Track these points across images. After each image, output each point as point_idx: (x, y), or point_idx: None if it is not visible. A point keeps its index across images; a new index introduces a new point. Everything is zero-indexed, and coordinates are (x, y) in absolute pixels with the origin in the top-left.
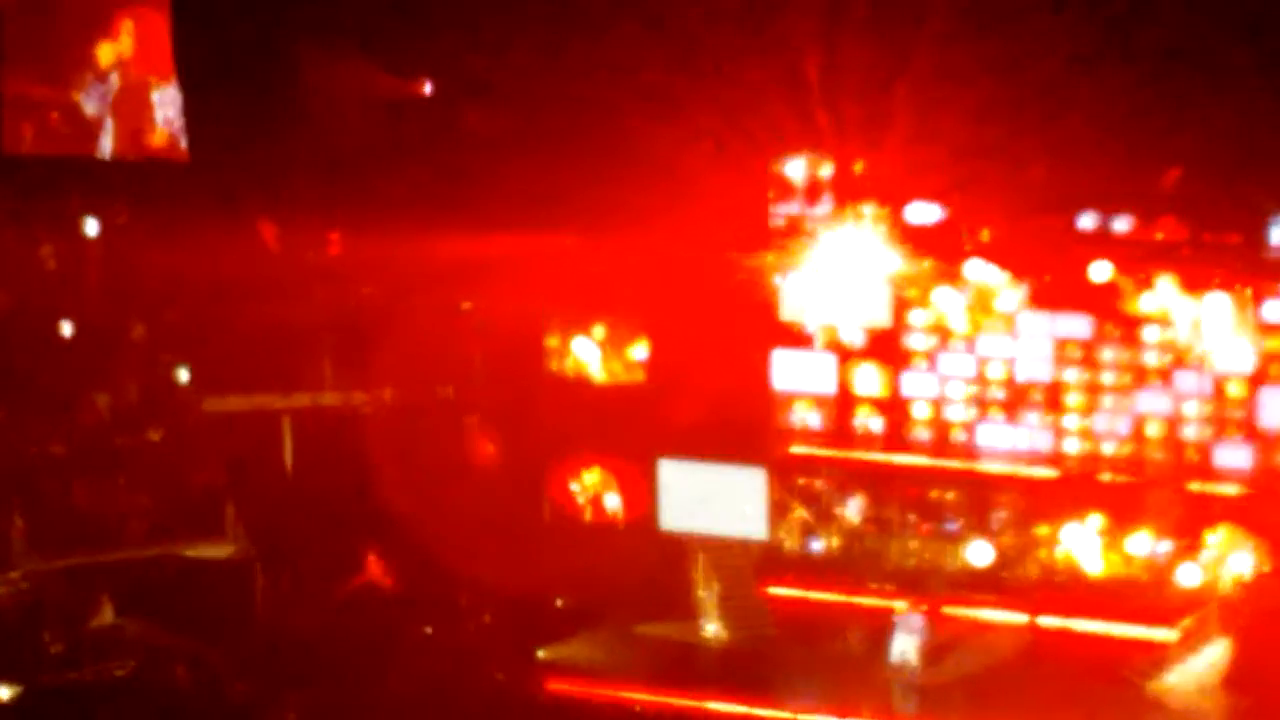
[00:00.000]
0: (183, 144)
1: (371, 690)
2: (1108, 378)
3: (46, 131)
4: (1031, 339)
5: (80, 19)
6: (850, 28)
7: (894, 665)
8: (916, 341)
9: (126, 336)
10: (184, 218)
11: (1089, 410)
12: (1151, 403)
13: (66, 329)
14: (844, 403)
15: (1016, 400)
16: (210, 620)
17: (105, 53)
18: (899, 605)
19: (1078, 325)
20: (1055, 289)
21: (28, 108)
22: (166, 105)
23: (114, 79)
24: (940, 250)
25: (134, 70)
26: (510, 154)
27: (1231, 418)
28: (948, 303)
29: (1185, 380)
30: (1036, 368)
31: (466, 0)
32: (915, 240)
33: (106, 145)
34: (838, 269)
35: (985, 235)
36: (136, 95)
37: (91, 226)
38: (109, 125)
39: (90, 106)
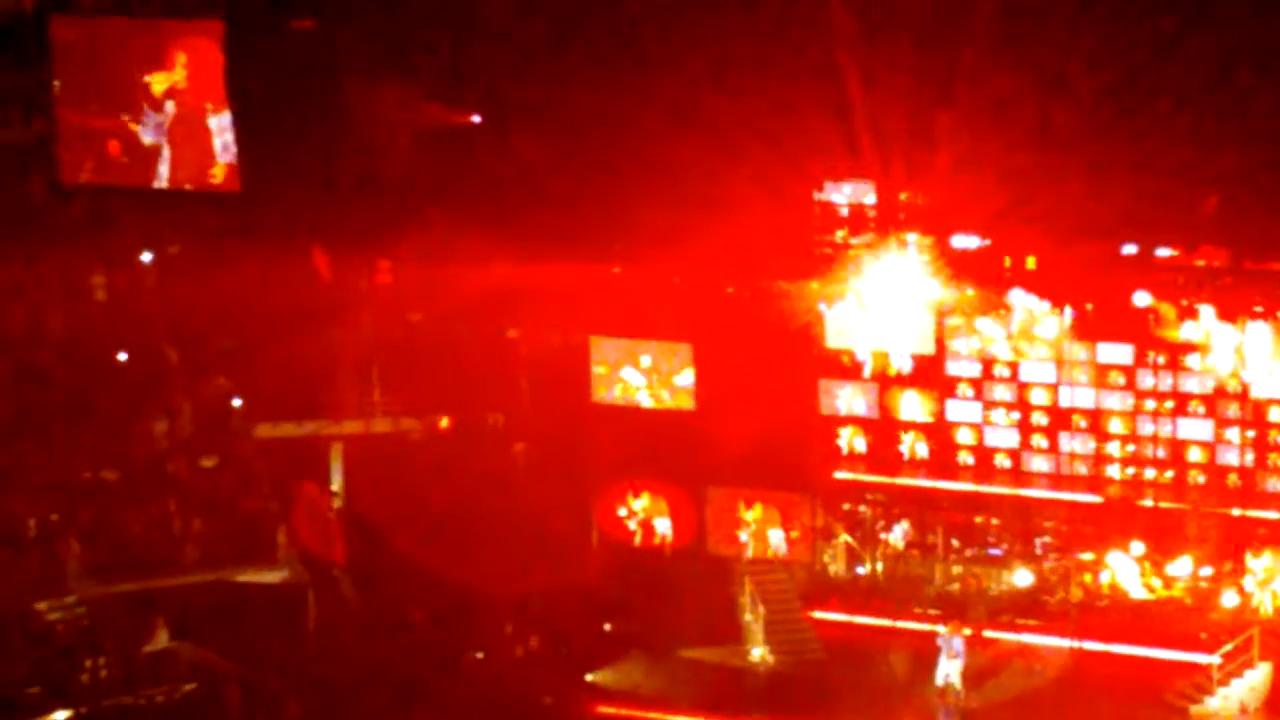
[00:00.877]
0: (228, 171)
1: (422, 713)
2: (1150, 404)
3: (106, 161)
4: (1074, 365)
5: (135, 50)
6: (894, 60)
7: (938, 688)
8: (960, 368)
9: (180, 364)
10: (236, 246)
11: (1131, 436)
12: (1193, 429)
13: (121, 356)
14: (888, 429)
15: (1059, 426)
16: (263, 644)
17: (159, 82)
18: (941, 629)
19: (1120, 352)
20: (1098, 316)
21: (87, 138)
22: (224, 131)
23: (170, 107)
24: (984, 278)
25: (190, 98)
26: (557, 183)
27: (1273, 443)
28: (991, 330)
29: (1227, 406)
30: (1079, 394)
31: (514, 31)
32: (959, 268)
33: (164, 173)
34: (882, 297)
35: (1028, 263)
36: (193, 122)
37: (145, 256)
38: (166, 154)
39: (147, 136)
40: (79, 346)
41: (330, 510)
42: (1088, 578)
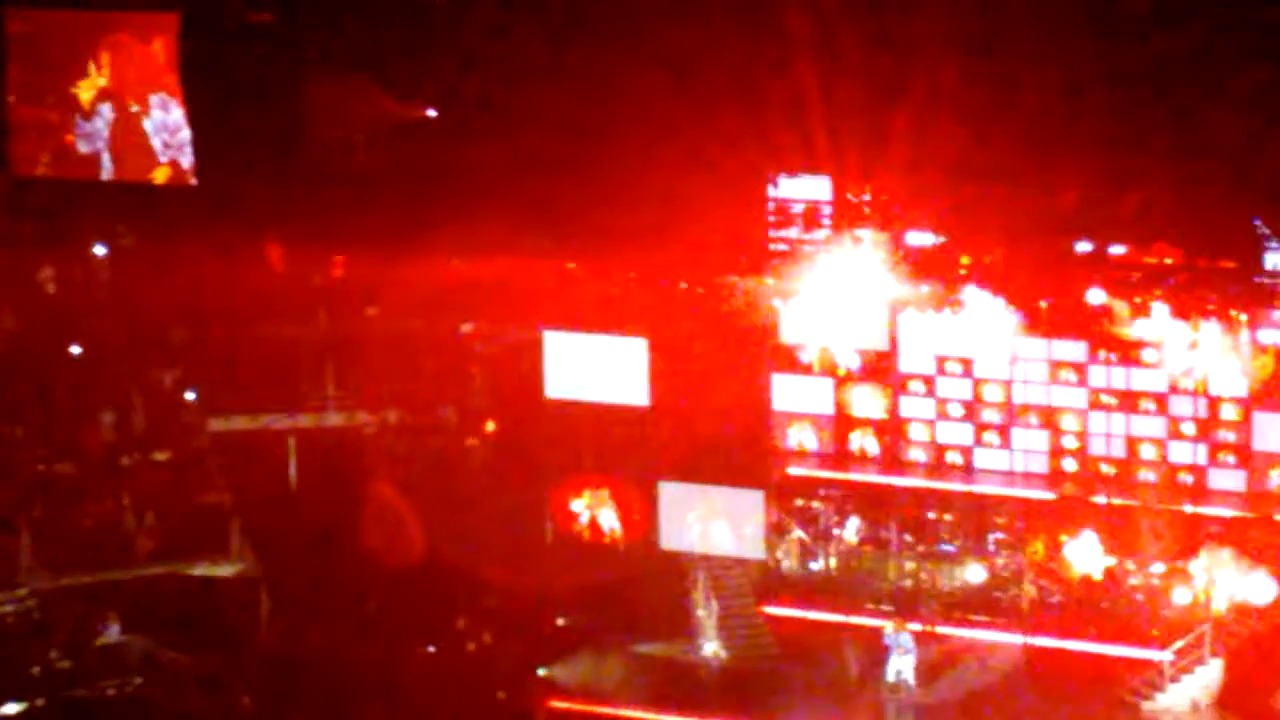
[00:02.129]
0: (185, 166)
1: (374, 707)
2: (1103, 400)
3: (61, 154)
4: (1028, 362)
5: (86, 43)
6: (850, 57)
7: (890, 684)
8: (914, 364)
9: (133, 357)
10: (190, 240)
11: (1084, 433)
12: (1146, 425)
13: (74, 350)
14: (842, 425)
15: (1012, 422)
16: (215, 637)
17: (85, 90)
18: (887, 626)
19: (1073, 349)
20: (1052, 313)
21: (42, 131)
22: (162, 132)
23: (106, 111)
24: (938, 274)
25: (123, 99)
26: (512, 178)
27: (1225, 441)
28: (945, 326)
29: (1180, 403)
30: (1032, 390)
31: (470, 27)
32: (913, 264)
33: (107, 175)
34: (836, 293)
35: (983, 260)
36: (130, 125)
37: (98, 249)
38: (106, 160)
39: (83, 145)
40: (31, 340)
41: (403, 512)
42: (1040, 574)
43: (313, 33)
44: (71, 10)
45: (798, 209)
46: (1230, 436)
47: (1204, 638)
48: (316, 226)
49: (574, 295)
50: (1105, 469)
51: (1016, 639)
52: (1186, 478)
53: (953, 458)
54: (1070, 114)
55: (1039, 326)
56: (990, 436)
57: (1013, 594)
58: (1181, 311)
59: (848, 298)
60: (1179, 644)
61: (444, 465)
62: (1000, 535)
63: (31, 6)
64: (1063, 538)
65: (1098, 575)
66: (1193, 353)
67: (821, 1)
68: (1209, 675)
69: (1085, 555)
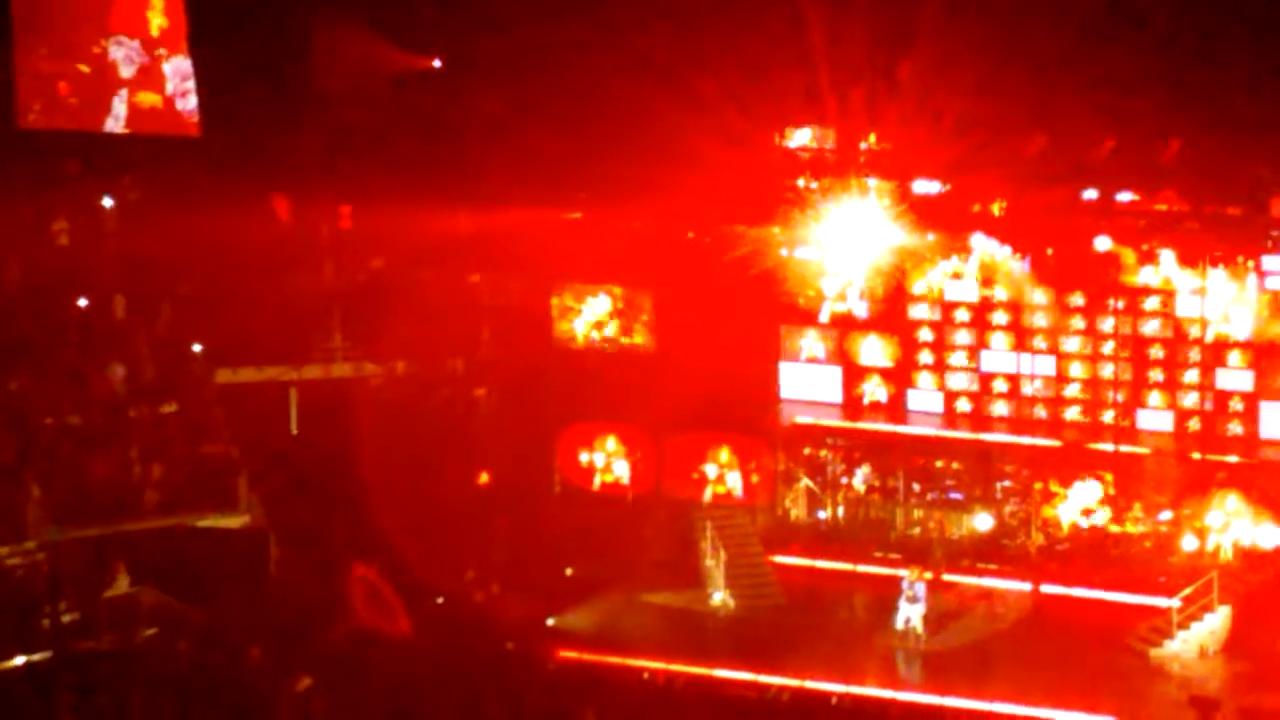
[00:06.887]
0: (187, 115)
1: (382, 659)
2: (1109, 348)
3: (55, 103)
4: (1035, 310)
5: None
6: (856, 5)
7: (899, 633)
8: (921, 313)
9: (140, 309)
10: (196, 192)
11: (1091, 380)
12: (1153, 373)
13: (82, 302)
14: (849, 373)
15: (1019, 370)
16: (224, 589)
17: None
18: (905, 574)
19: (1080, 296)
20: (1058, 260)
21: (38, 80)
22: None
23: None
24: (945, 223)
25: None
26: (519, 128)
27: (1232, 388)
28: (952, 275)
29: (1186, 351)
30: (1040, 338)
31: None
32: (920, 213)
33: (121, 110)
34: (843, 242)
35: (990, 208)
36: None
37: (105, 201)
38: (124, 93)
39: (126, 70)
40: (39, 291)
41: (387, 587)
42: (1047, 521)
43: None
44: None
45: (804, 157)
46: (1237, 383)
47: (1212, 585)
48: (323, 177)
49: (581, 245)
50: (1112, 416)
51: (1025, 586)
52: (1194, 424)
53: (960, 405)
54: (1076, 61)
55: (1046, 274)
56: (998, 385)
57: (1020, 542)
58: (1188, 258)
59: (855, 247)
60: (1186, 591)
61: (452, 416)
62: (1007, 483)
63: None
64: (1069, 485)
65: (1104, 522)
66: (1199, 299)
67: None
68: (1216, 622)
69: (1091, 502)
